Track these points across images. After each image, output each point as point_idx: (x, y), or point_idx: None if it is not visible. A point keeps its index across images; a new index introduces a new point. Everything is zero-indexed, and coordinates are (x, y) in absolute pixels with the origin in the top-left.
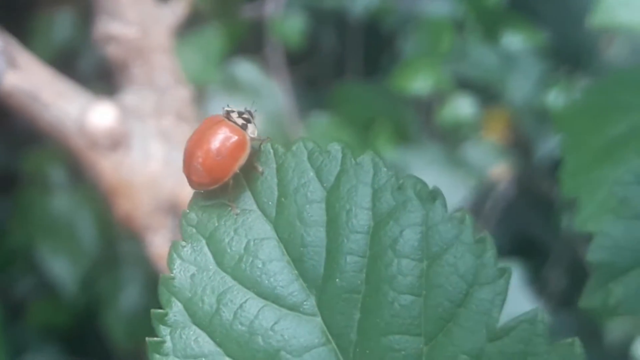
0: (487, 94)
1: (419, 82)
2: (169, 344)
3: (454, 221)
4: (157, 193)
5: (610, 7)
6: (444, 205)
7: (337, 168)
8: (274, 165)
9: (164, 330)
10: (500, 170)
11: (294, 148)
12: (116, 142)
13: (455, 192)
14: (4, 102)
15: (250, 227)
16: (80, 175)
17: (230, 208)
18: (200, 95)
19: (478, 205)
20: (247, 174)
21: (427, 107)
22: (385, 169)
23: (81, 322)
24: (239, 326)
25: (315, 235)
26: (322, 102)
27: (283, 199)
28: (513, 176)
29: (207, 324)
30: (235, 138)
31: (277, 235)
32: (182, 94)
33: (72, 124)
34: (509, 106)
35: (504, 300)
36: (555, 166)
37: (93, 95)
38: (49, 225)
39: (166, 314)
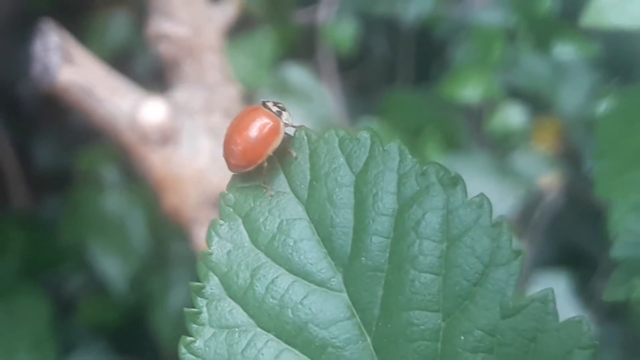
0: (537, 103)
1: (469, 90)
2: (205, 315)
3: (473, 206)
4: (204, 187)
5: (601, 8)
6: (464, 191)
7: (365, 154)
8: (307, 151)
9: (200, 302)
10: (549, 180)
11: (326, 135)
12: (166, 137)
13: (504, 200)
14: (60, 96)
15: (283, 208)
16: (132, 174)
17: (265, 190)
18: (250, 99)
19: (526, 215)
20: (282, 159)
21: (477, 115)
22: (410, 156)
23: (130, 320)
24: (271, 300)
25: (344, 217)
26: (372, 108)
27: (314, 183)
28: (562, 186)
29: (241, 297)
30: (269, 123)
31: (308, 216)
32: (230, 92)
33: (125, 119)
34: (559, 116)
35: (517, 280)
36: None
37: (145, 92)
38: (100, 223)
39: (203, 287)
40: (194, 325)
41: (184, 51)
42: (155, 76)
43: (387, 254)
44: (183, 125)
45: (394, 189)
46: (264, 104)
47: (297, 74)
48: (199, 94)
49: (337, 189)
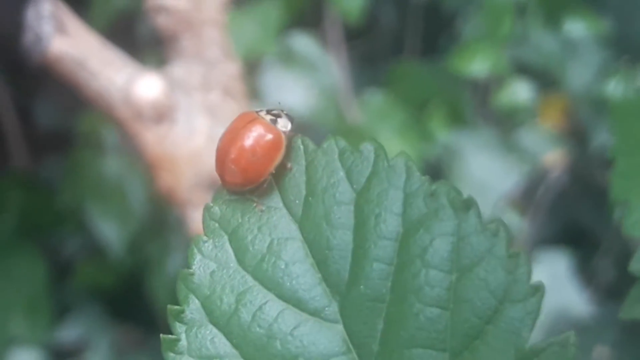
0: (545, 80)
1: (477, 65)
2: (183, 343)
3: (487, 233)
4: (200, 168)
5: None
6: (478, 216)
7: (368, 169)
8: (304, 163)
9: (179, 328)
10: (554, 158)
11: (325, 146)
12: (161, 114)
13: (508, 177)
14: (52, 67)
15: (274, 225)
16: None
17: (255, 204)
18: (256, 67)
19: (530, 192)
20: (275, 170)
21: (483, 90)
22: (418, 174)
23: (126, 284)
24: (257, 329)
25: (342, 239)
26: (378, 79)
27: (310, 198)
28: (567, 164)
29: (224, 324)
30: (270, 136)
31: (302, 235)
32: (230, 69)
33: (118, 93)
34: (567, 94)
35: (535, 320)
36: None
37: (141, 65)
38: (100, 186)
39: (183, 311)
40: (171, 354)
41: (183, 25)
42: (157, 45)
43: (389, 283)
44: (179, 102)
45: (399, 209)
46: (257, 113)
47: (303, 43)
48: (197, 70)
49: (335, 207)
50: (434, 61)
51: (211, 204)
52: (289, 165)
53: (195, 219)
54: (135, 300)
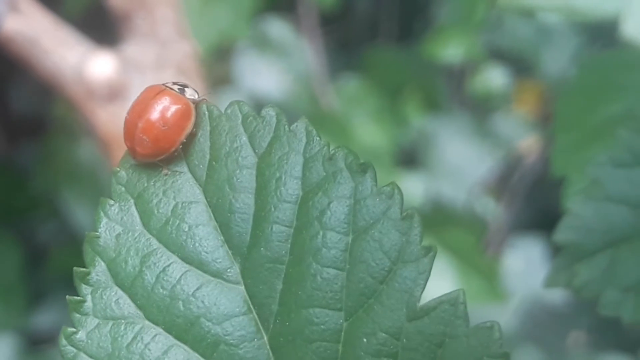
0: (520, 65)
1: (451, 50)
2: (89, 304)
3: (382, 196)
4: None
5: None
6: (374, 179)
7: (270, 134)
8: (208, 128)
9: (85, 290)
10: (529, 144)
11: (228, 111)
12: (114, 93)
13: (482, 163)
14: (5, 46)
15: (179, 189)
16: None
17: (161, 168)
18: (229, 52)
19: (505, 178)
20: (186, 139)
21: (459, 75)
22: (318, 138)
23: None
24: (161, 290)
25: (244, 202)
26: (353, 64)
27: (214, 163)
28: (541, 150)
29: (129, 285)
30: (179, 106)
31: (206, 199)
32: (184, 48)
33: (71, 72)
34: (542, 79)
35: (426, 280)
36: None
37: (94, 44)
38: (74, 172)
39: (89, 273)
40: (77, 315)
41: (137, 3)
42: None
43: (289, 245)
44: (132, 81)
45: (299, 173)
46: (164, 85)
47: (277, 28)
48: (151, 48)
49: (237, 171)
50: (409, 46)
51: (118, 169)
52: (194, 130)
53: None
54: None
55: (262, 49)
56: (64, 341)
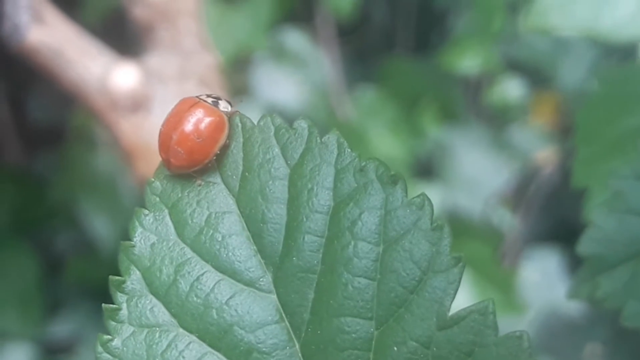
0: (537, 77)
1: (468, 61)
2: (124, 312)
3: (412, 207)
4: None
5: (544, 10)
6: (404, 190)
7: (302, 146)
8: (241, 139)
9: (120, 298)
10: (545, 155)
11: (261, 123)
12: (137, 104)
13: (499, 174)
14: (30, 57)
15: (212, 200)
16: None
17: (195, 179)
18: (247, 62)
19: (522, 190)
20: (219, 151)
21: (475, 87)
22: (349, 150)
23: None
24: (195, 298)
25: (276, 212)
26: (370, 75)
27: (247, 174)
28: (558, 162)
29: (163, 294)
30: (213, 119)
31: (239, 209)
32: (207, 60)
33: (95, 83)
34: (558, 91)
35: (456, 289)
36: None
37: (119, 55)
38: (92, 181)
39: (124, 282)
40: (112, 323)
41: (160, 15)
42: None
43: (321, 255)
44: (155, 92)
45: (331, 184)
46: (199, 98)
47: (295, 39)
48: (173, 60)
49: (270, 182)
50: (425, 57)
51: (152, 179)
52: (227, 142)
53: None
54: None
55: (279, 59)
56: (99, 348)
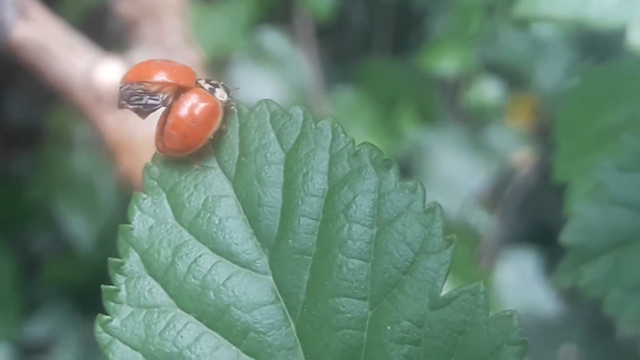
0: (514, 78)
1: (446, 62)
2: (123, 293)
3: (405, 190)
4: None
5: None
6: (397, 174)
7: (297, 131)
8: (237, 125)
9: (119, 279)
10: (522, 156)
11: (257, 109)
12: None
13: (476, 175)
14: (15, 53)
15: (209, 183)
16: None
17: (192, 164)
18: (225, 62)
19: (498, 191)
20: (213, 136)
21: (453, 88)
22: (343, 135)
23: (95, 280)
24: (192, 280)
25: (272, 196)
26: (348, 76)
27: (243, 158)
28: (535, 163)
29: (161, 275)
30: (207, 104)
31: (235, 193)
32: (190, 56)
33: (80, 78)
34: (535, 92)
35: (448, 270)
36: None
37: (102, 51)
38: (69, 182)
39: (122, 264)
40: (111, 303)
41: (144, 11)
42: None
43: (315, 237)
44: None
45: (325, 168)
46: (197, 82)
47: (273, 39)
48: (158, 55)
49: (266, 166)
50: (403, 59)
51: (150, 164)
52: (223, 127)
53: None
54: None
55: (257, 60)
56: (99, 328)
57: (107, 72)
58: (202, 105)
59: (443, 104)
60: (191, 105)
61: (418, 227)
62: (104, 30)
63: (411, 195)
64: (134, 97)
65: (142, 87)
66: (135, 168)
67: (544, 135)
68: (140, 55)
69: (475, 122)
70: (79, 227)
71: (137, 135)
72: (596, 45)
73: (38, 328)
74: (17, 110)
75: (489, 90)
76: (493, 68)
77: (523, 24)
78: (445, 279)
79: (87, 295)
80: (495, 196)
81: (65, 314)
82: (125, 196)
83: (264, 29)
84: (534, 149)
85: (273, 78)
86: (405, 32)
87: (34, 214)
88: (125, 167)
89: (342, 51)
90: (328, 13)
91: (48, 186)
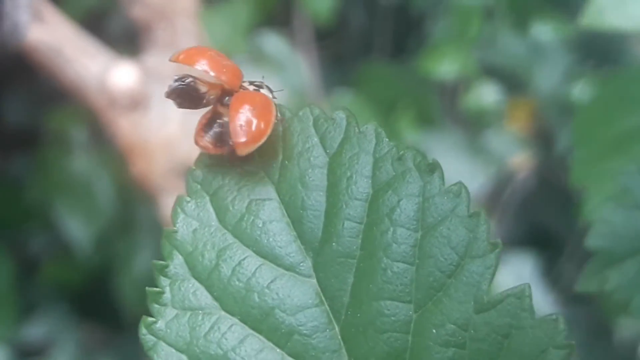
0: (513, 82)
1: (445, 66)
2: (167, 295)
3: (450, 194)
4: (172, 155)
5: (600, 9)
6: (442, 178)
7: (340, 135)
8: (280, 129)
9: (164, 282)
10: (520, 160)
11: (300, 113)
12: (135, 102)
13: (474, 179)
14: (29, 56)
15: (253, 187)
16: (101, 136)
17: (235, 168)
18: None
19: (496, 194)
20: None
21: (452, 92)
22: (387, 139)
23: (93, 283)
24: (236, 282)
25: (316, 199)
26: (347, 79)
27: (287, 162)
28: (533, 167)
29: (205, 278)
30: (268, 100)
31: (279, 196)
32: None
33: (94, 81)
34: (534, 96)
35: (493, 274)
36: None
37: (116, 54)
38: (67, 184)
39: (167, 266)
40: (156, 306)
41: (158, 15)
42: (129, 38)
43: (360, 241)
44: (153, 91)
45: (369, 172)
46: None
47: (273, 42)
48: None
49: (309, 170)
50: (402, 62)
51: (194, 168)
52: (279, 126)
53: (167, 204)
54: (102, 298)
55: (257, 63)
56: (144, 330)
57: (121, 76)
58: (265, 100)
59: (442, 107)
60: (259, 102)
61: (463, 231)
62: (104, 32)
63: (455, 199)
64: (183, 90)
65: (193, 82)
66: (148, 171)
67: (542, 139)
68: (153, 58)
69: (474, 125)
70: (77, 229)
71: (150, 139)
72: (595, 49)
73: (35, 330)
74: (15, 112)
75: (487, 94)
76: (492, 72)
77: (522, 27)
78: (491, 282)
79: (85, 298)
80: (494, 199)
81: (62, 316)
82: (124, 199)
83: (263, 32)
84: (533, 153)
85: (272, 81)
86: (405, 36)
87: (32, 215)
88: (138, 170)
89: (342, 54)
90: (327, 16)
91: (46, 188)
